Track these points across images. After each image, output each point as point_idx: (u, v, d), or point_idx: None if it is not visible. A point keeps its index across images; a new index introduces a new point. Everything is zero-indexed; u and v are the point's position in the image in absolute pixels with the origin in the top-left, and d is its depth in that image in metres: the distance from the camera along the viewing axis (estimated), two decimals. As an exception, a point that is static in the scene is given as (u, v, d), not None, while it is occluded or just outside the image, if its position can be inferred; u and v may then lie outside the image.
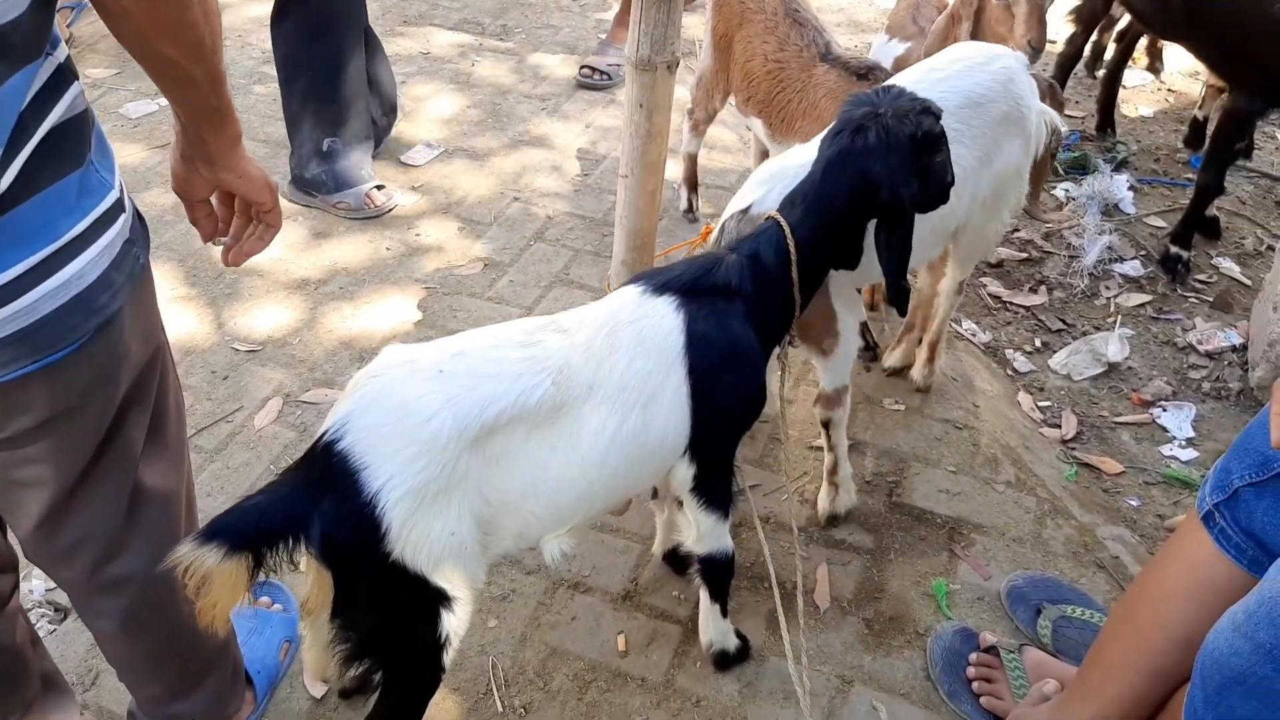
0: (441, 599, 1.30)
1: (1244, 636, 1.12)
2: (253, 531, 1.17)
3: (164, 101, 1.76)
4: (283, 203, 3.11)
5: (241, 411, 2.42)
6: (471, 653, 1.90)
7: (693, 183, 3.17)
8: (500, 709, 1.81)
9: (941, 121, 1.56)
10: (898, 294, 1.66)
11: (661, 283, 1.47)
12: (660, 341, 1.41)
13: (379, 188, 3.13)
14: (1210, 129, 3.69)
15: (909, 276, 1.71)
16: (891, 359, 2.57)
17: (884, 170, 1.47)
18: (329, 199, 3.10)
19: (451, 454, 1.23)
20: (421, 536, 1.23)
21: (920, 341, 2.50)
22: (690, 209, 3.19)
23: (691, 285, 1.46)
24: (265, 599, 1.97)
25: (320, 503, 1.20)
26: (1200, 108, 3.69)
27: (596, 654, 1.90)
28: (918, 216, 1.90)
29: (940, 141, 1.57)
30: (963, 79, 1.95)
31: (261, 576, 1.20)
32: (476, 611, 1.96)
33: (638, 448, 1.40)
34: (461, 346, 1.32)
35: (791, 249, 1.51)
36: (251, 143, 3.47)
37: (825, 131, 1.57)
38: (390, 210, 3.14)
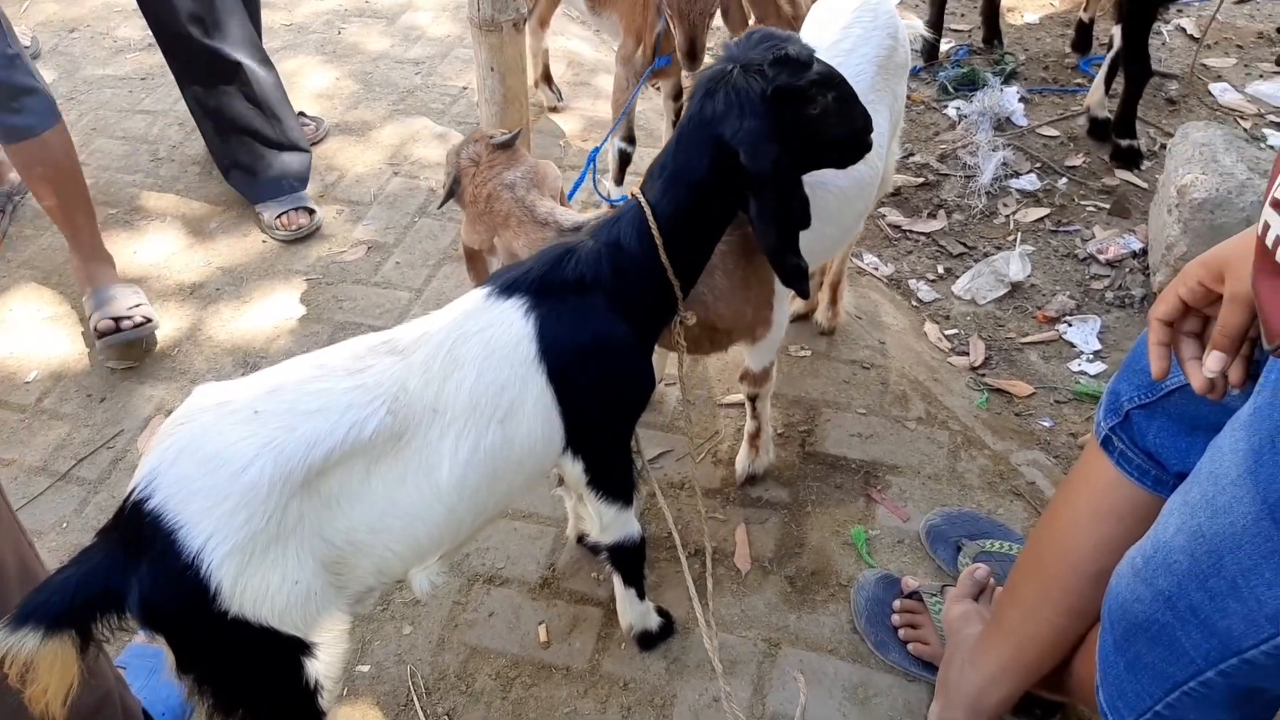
0: (299, 647, 1.23)
1: (1144, 582, 1.09)
2: (68, 608, 1.08)
3: None
4: (148, 200, 2.96)
5: (123, 435, 2.28)
6: (389, 663, 1.83)
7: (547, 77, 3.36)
8: (423, 718, 1.74)
9: (814, 63, 1.40)
10: (784, 272, 1.51)
11: (508, 283, 1.37)
12: (511, 350, 1.32)
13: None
14: (1100, 29, 3.69)
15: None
16: (794, 305, 2.51)
17: (739, 135, 1.35)
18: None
19: (276, 502, 1.13)
20: (259, 590, 1.14)
21: (821, 284, 2.45)
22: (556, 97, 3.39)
23: (541, 283, 1.36)
24: (163, 635, 1.87)
25: (136, 568, 1.11)
26: (1085, 10, 3.66)
27: (518, 648, 1.84)
28: (846, 198, 1.81)
29: (812, 92, 1.40)
30: (866, 44, 1.87)
31: (92, 651, 1.12)
32: (390, 619, 1.89)
33: (501, 463, 1.32)
34: (279, 381, 1.22)
35: (655, 232, 1.40)
36: (109, 140, 3.27)
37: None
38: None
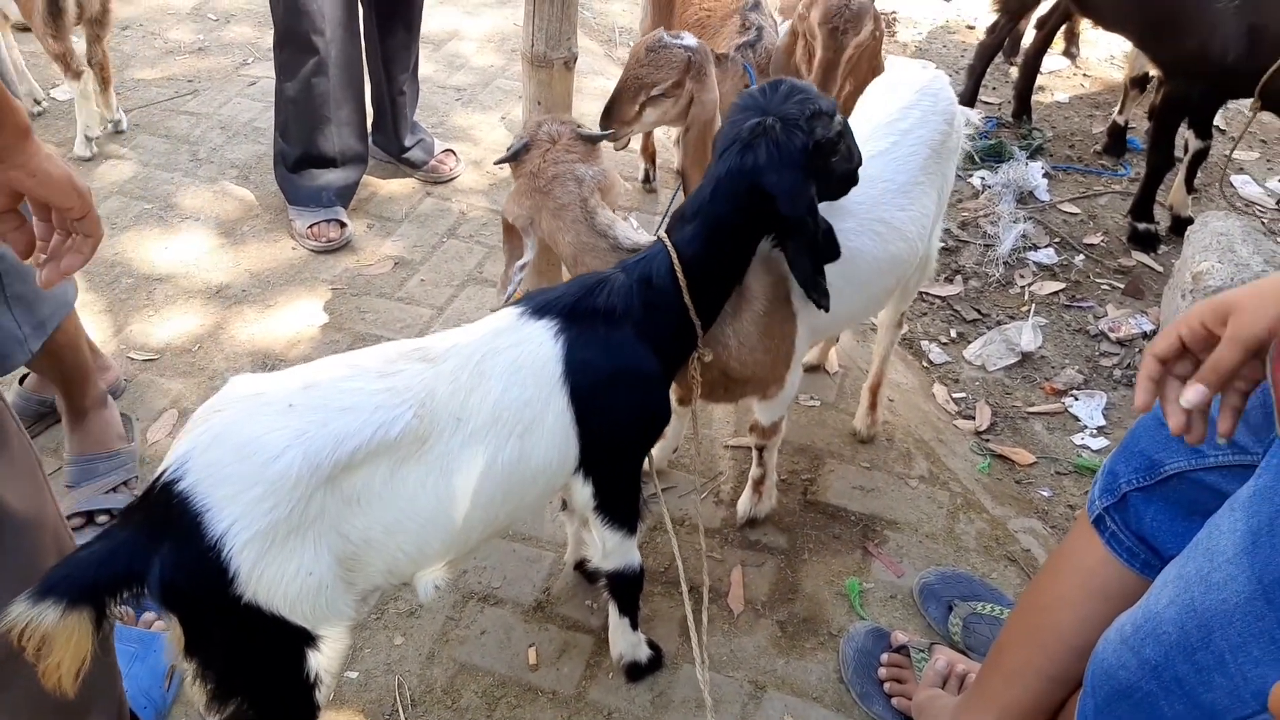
0: (305, 638, 1.25)
1: (1130, 650, 1.11)
2: (90, 583, 1.10)
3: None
4: (183, 198, 3.01)
5: (135, 425, 2.32)
6: (377, 672, 1.85)
7: (650, 152, 3.21)
8: (407, 730, 1.76)
9: (835, 112, 1.52)
10: (817, 292, 1.59)
11: (541, 305, 1.42)
12: (538, 369, 1.36)
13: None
14: (1132, 127, 3.74)
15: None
16: (806, 356, 2.55)
17: (779, 185, 1.43)
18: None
19: (302, 493, 1.17)
20: (275, 578, 1.17)
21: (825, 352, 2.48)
22: (647, 179, 3.23)
23: (573, 308, 1.41)
24: (149, 614, 1.87)
25: (160, 548, 1.14)
26: (1121, 112, 3.67)
27: (506, 668, 1.86)
28: (878, 270, 1.86)
29: (838, 141, 1.53)
30: (924, 126, 1.92)
31: (106, 627, 1.14)
32: (383, 628, 1.91)
33: (515, 477, 1.36)
34: (314, 378, 1.26)
35: (680, 274, 1.46)
36: (151, 137, 3.35)
37: (716, 141, 1.52)
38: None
